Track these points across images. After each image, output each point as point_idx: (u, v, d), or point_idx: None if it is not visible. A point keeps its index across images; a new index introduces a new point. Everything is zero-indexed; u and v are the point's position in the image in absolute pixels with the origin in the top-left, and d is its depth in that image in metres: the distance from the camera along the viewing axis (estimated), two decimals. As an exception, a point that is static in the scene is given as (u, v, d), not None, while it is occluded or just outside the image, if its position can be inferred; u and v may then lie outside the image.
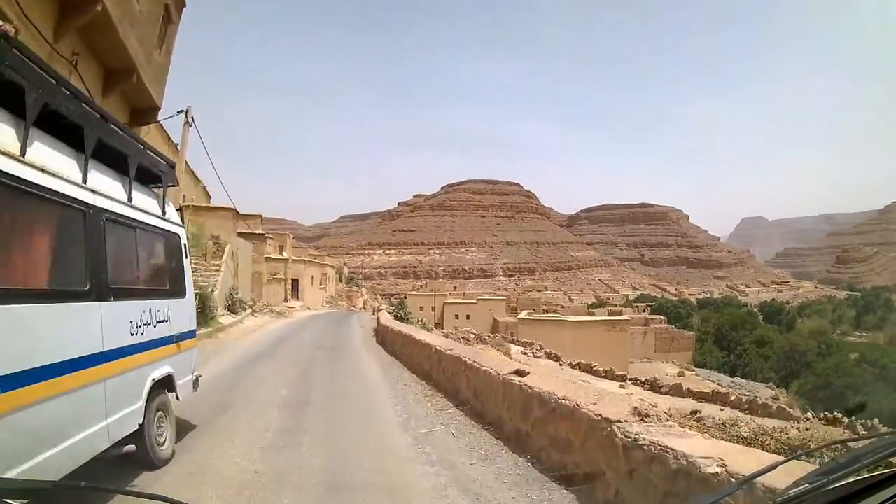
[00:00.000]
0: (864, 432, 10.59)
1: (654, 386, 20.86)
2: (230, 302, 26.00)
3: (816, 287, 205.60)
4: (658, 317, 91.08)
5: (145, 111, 17.98)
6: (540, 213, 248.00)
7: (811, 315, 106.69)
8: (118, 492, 2.20)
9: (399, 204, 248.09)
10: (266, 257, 45.76)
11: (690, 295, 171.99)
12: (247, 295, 33.51)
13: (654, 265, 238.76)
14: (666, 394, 19.02)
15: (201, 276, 26.54)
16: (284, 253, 50.83)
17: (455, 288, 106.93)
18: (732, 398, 18.53)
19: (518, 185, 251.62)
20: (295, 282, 48.96)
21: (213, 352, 14.50)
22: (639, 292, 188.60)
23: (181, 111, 19.47)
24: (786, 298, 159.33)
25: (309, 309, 47.30)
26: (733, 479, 2.18)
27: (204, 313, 19.64)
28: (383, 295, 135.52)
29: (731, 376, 48.30)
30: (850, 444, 2.03)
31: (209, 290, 23.41)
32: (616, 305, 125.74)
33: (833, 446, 2.54)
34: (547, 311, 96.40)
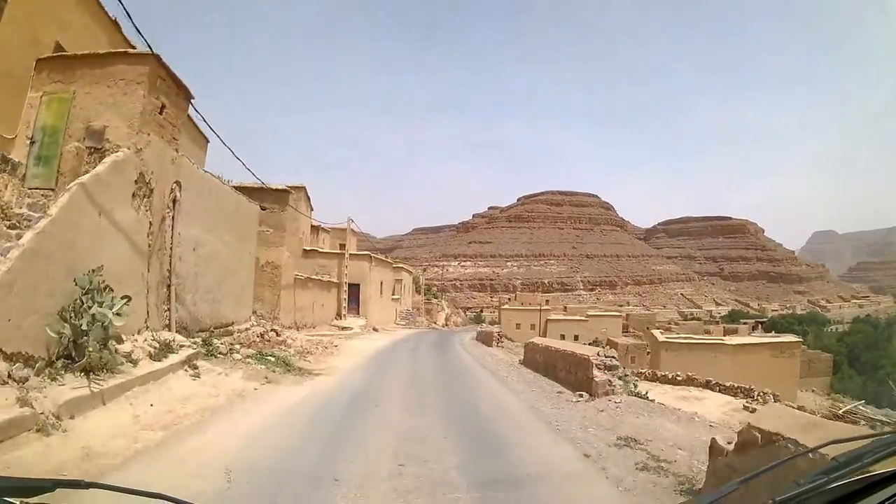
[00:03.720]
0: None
1: None
2: (62, 333, 6.76)
3: None
4: (791, 335, 70.32)
5: None
6: (618, 226, 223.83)
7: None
8: (120, 490, 1.61)
9: (474, 216, 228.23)
10: (308, 250, 26.90)
11: (773, 311, 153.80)
12: (241, 306, 14.46)
13: (733, 279, 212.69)
14: None
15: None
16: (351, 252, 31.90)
17: (547, 301, 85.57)
18: None
19: (596, 196, 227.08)
20: (354, 288, 29.95)
21: None
22: (722, 307, 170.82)
23: None
24: (868, 314, 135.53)
25: (375, 330, 27.90)
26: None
27: None
28: (462, 308, 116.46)
29: (878, 407, 36.06)
30: (849, 443, 1.84)
31: None
32: (718, 321, 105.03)
33: (832, 446, 1.94)
34: (658, 329, 74.56)
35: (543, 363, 12.00)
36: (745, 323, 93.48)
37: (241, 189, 16.49)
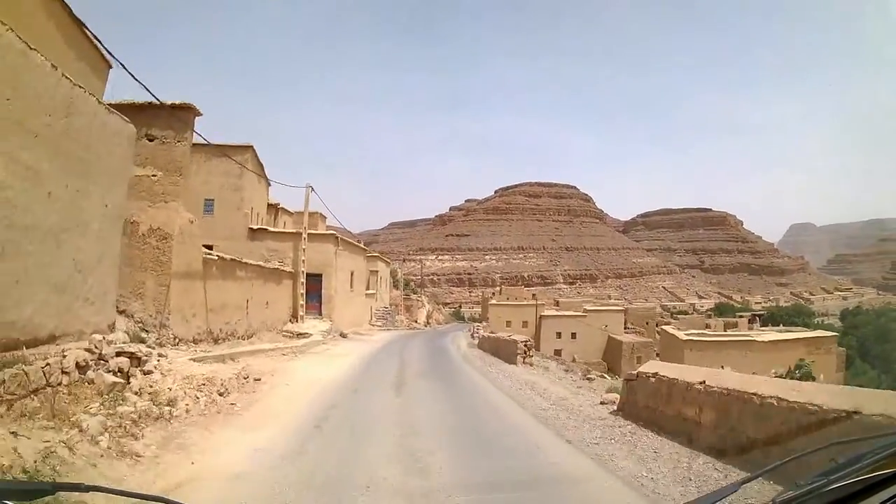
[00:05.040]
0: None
1: None
2: None
3: (879, 294, 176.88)
4: (800, 328, 65.68)
5: None
6: (597, 218, 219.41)
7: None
8: (119, 493, 1.62)
9: (451, 209, 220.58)
10: (254, 229, 19.59)
11: (756, 303, 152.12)
12: (80, 303, 7.07)
13: (714, 272, 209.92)
14: None
15: None
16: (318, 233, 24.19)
17: (534, 296, 79.18)
18: None
19: (575, 187, 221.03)
20: (315, 280, 22.59)
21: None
22: (705, 300, 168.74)
23: None
24: (853, 306, 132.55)
25: (342, 337, 20.69)
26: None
27: None
28: (441, 304, 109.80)
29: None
30: (849, 444, 1.75)
31: None
32: (710, 314, 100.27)
33: (833, 447, 1.80)
34: (660, 325, 69.07)
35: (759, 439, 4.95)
36: (741, 316, 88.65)
37: (115, 108, 9.14)
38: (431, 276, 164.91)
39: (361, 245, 29.57)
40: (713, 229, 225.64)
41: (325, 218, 33.71)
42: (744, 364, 29.95)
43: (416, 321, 48.42)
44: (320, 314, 21.97)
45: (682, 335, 37.24)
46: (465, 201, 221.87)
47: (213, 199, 24.42)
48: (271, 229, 23.04)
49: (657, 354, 49.47)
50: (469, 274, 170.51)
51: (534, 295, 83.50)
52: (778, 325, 77.41)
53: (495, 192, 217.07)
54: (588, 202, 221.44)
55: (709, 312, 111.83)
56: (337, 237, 23.21)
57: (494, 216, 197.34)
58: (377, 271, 36.71)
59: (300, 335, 19.25)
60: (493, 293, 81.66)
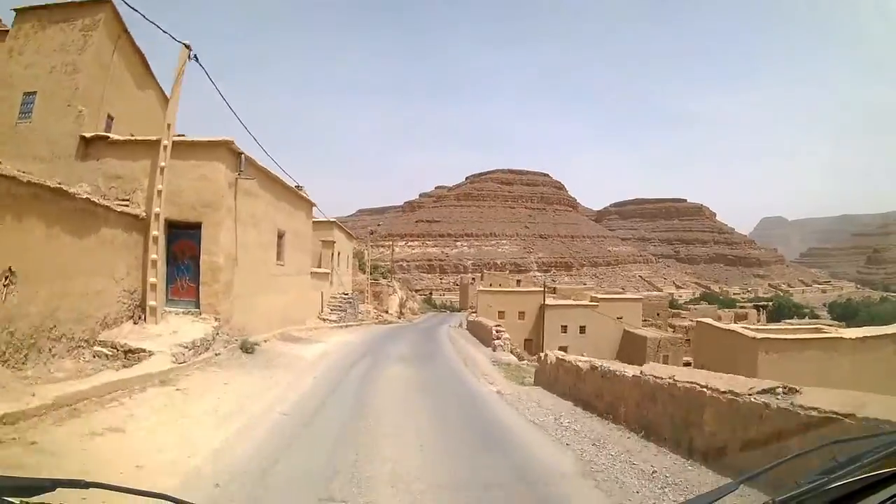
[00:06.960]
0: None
1: None
2: None
3: (858, 287, 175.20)
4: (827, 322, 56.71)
5: None
6: (570, 206, 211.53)
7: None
8: (122, 490, 1.58)
9: (420, 195, 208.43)
10: (87, 138, 8.93)
11: (735, 294, 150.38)
12: None
13: (689, 262, 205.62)
14: None
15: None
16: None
17: (519, 282, 68.91)
18: None
19: (547, 175, 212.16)
20: (190, 236, 11.23)
21: None
22: (683, 290, 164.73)
23: None
24: (832, 298, 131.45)
25: (246, 352, 9.39)
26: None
27: None
28: (414, 291, 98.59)
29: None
30: (850, 443, 1.79)
31: None
32: (716, 307, 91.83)
33: (833, 445, 1.82)
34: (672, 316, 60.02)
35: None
36: (742, 308, 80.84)
37: None
38: (401, 263, 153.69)
39: (304, 194, 17.99)
40: (688, 220, 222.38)
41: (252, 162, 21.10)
42: (827, 368, 19.95)
43: (386, 311, 37.25)
44: (197, 304, 10.59)
45: (755, 334, 26.85)
46: (436, 188, 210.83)
47: (34, 94, 12.79)
48: (116, 137, 11.44)
49: (686, 352, 39.70)
50: (440, 260, 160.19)
51: (518, 281, 73.27)
52: (791, 318, 69.31)
53: (466, 178, 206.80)
54: (560, 190, 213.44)
55: (703, 302, 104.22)
56: (237, 151, 11.56)
57: (465, 203, 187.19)
58: (333, 243, 25.21)
59: (130, 353, 7.92)
60: (474, 279, 70.98)
